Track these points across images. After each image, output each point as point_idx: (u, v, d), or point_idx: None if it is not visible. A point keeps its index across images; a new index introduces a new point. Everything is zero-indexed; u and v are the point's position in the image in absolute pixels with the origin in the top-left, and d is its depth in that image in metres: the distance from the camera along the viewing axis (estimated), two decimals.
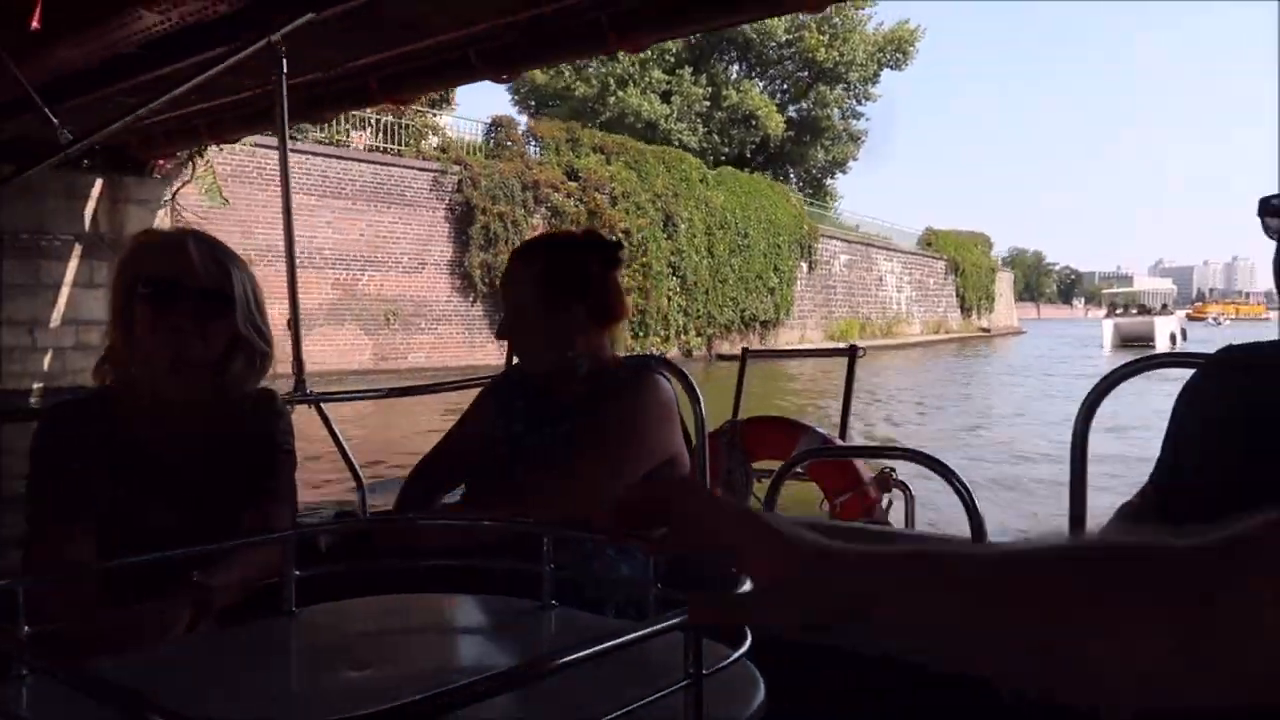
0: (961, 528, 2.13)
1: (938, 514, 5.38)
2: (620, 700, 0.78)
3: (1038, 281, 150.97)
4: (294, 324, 2.90)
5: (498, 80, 8.84)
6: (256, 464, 1.65)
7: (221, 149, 13.72)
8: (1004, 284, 50.72)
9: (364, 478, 2.64)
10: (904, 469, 4.40)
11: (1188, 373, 1.29)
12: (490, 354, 17.44)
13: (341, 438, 2.70)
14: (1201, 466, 1.18)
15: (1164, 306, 43.82)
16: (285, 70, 3.03)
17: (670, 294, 22.91)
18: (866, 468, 4.56)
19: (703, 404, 2.12)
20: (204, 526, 1.50)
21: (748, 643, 0.88)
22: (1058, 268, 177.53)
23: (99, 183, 13.39)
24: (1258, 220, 1.11)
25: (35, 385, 12.79)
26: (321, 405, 2.70)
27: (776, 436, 4.82)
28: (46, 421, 1.62)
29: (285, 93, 3.00)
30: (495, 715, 0.71)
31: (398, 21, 5.53)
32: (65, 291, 13.21)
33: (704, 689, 0.80)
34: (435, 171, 18.56)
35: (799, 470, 3.86)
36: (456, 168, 18.84)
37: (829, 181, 42.33)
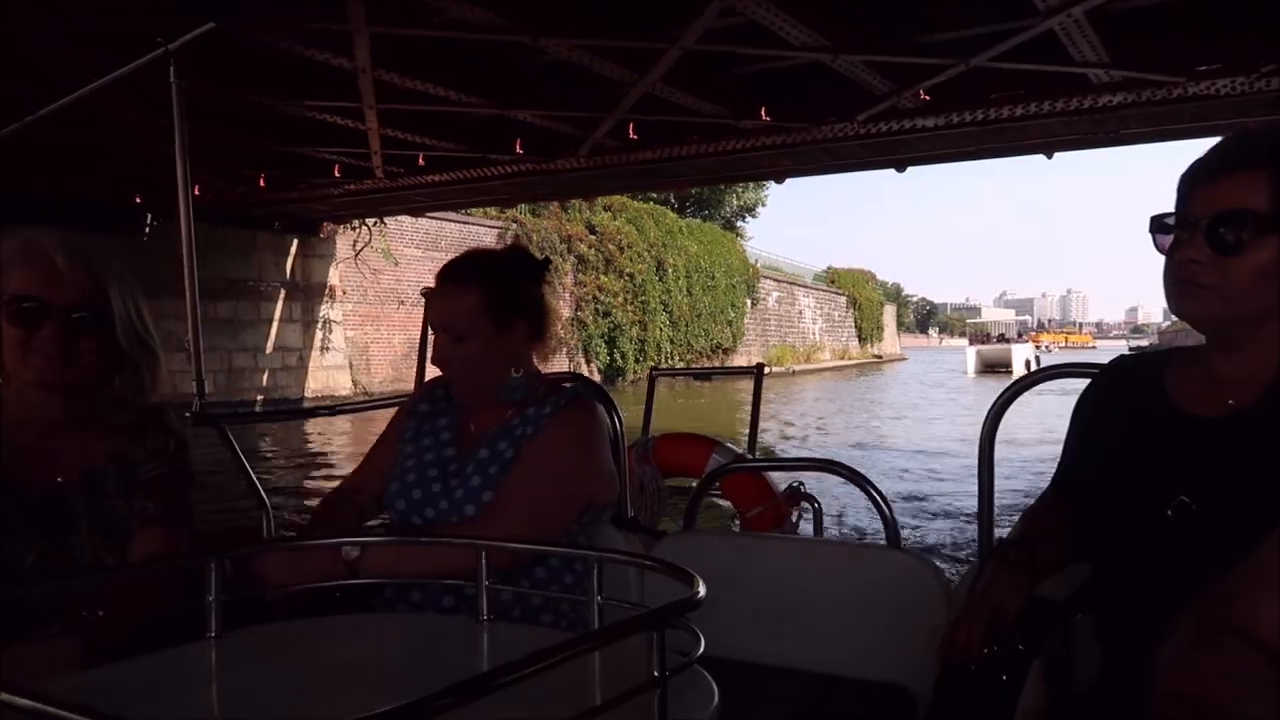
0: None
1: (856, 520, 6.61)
2: (576, 706, 0.77)
3: (899, 312, 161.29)
4: (195, 345, 2.85)
5: (677, 192, 13.77)
6: (144, 486, 1.53)
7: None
8: (889, 316, 58.01)
9: (268, 500, 2.58)
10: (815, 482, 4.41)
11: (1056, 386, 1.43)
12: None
13: (244, 459, 2.60)
14: (1097, 466, 1.28)
15: (1020, 335, 51.34)
16: (178, 80, 2.75)
17: (662, 326, 28.02)
18: (776, 482, 4.58)
19: (621, 422, 2.23)
20: (82, 561, 1.42)
21: (701, 646, 0.89)
22: (915, 299, 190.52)
23: (295, 241, 17.54)
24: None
25: (257, 397, 16.77)
26: (224, 426, 2.59)
27: (688, 452, 4.83)
28: None
29: (185, 104, 2.73)
30: None
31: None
32: (275, 325, 17.31)
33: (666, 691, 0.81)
34: (500, 229, 23.10)
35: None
36: (515, 226, 23.48)
37: (740, 224, 48.30)
